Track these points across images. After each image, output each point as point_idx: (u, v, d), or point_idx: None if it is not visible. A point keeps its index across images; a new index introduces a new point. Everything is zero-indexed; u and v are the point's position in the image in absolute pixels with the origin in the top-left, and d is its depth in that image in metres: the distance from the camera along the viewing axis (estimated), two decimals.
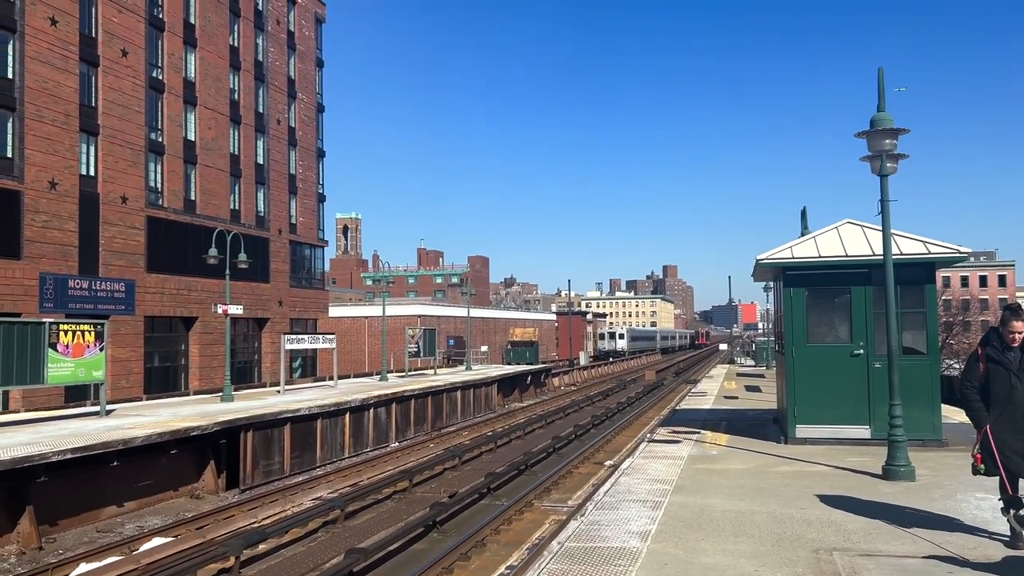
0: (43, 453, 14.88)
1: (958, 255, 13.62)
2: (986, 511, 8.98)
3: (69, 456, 15.36)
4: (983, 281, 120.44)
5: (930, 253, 13.47)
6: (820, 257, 13.85)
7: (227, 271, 28.44)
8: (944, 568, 7.02)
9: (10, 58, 32.89)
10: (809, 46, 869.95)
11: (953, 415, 17.64)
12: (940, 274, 64.92)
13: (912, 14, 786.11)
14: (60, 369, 19.77)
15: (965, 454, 12.94)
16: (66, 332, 20.04)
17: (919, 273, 13.62)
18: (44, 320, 20.55)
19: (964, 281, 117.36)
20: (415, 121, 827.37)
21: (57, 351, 19.64)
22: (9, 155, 32.61)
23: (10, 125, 32.73)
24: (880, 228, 11.85)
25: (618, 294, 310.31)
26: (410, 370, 43.44)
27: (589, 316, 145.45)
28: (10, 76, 32.77)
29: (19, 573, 12.76)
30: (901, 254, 13.07)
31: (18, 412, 25.55)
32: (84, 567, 12.93)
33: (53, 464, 15.08)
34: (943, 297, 79.49)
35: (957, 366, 60.60)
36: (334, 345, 34.16)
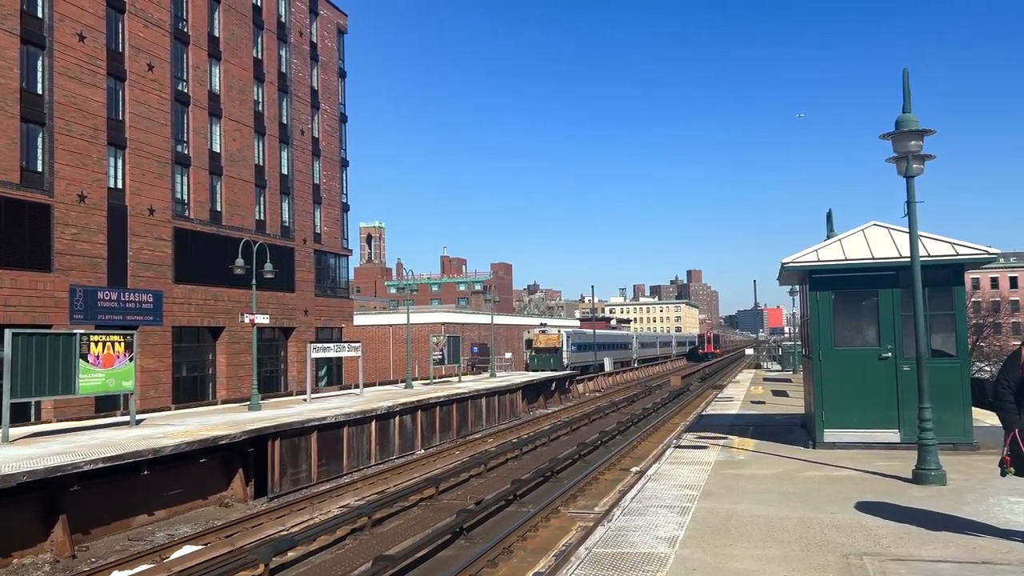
0: (75, 463, 15.10)
1: (987, 256, 13.45)
2: (1019, 515, 8.87)
3: (101, 465, 15.57)
4: (1013, 282, 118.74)
5: (958, 254, 13.31)
6: (846, 260, 13.74)
7: (253, 281, 28.71)
8: (977, 572, 6.94)
9: (39, 74, 33.49)
10: (835, 45, 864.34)
11: (984, 418, 17.41)
12: (969, 275, 64.07)
13: (938, 9, 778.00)
14: (91, 379, 20.04)
15: (997, 457, 12.78)
16: (96, 343, 20.33)
17: (947, 275, 13.48)
18: (75, 331, 20.86)
19: (994, 282, 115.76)
20: (437, 129, 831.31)
21: (88, 362, 19.91)
22: (39, 169, 33.19)
23: (40, 140, 33.32)
24: (907, 230, 11.74)
25: (642, 300, 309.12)
26: (435, 377, 43.54)
27: (613, 322, 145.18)
28: (40, 91, 33.37)
29: None
30: (928, 256, 12.94)
31: (50, 422, 25.94)
32: (116, 575, 13.08)
33: (85, 473, 15.30)
34: (972, 299, 78.49)
35: (988, 369, 59.79)
36: (359, 353, 34.34)
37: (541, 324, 77.54)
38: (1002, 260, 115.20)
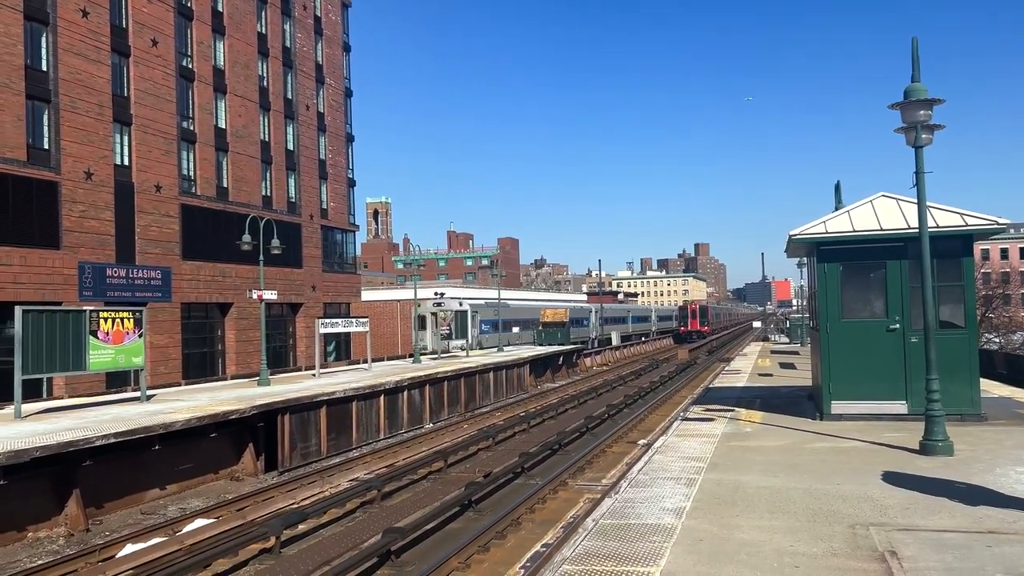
0: (88, 438, 15.24)
1: (996, 226, 13.37)
2: None
3: (112, 440, 15.71)
4: (1023, 253, 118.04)
5: (967, 225, 13.24)
6: (854, 231, 13.68)
7: (260, 257, 28.75)
8: (983, 542, 6.97)
9: (44, 51, 33.37)
10: (843, 15, 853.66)
11: (992, 389, 17.42)
12: (978, 246, 63.67)
13: None
14: (101, 356, 20.17)
15: (1005, 428, 12.81)
16: (106, 319, 20.43)
17: (956, 246, 13.42)
18: (84, 308, 20.95)
19: (1004, 253, 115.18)
20: (443, 104, 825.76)
21: (98, 338, 20.03)
22: (46, 146, 33.18)
23: (46, 117, 33.27)
24: (915, 201, 11.67)
25: (649, 273, 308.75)
26: (442, 352, 43.69)
27: (620, 296, 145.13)
28: (44, 68, 33.27)
29: (68, 554, 13.12)
30: (937, 227, 12.88)
31: (62, 398, 26.15)
32: (130, 548, 13.25)
33: (98, 448, 15.45)
34: (982, 270, 78.12)
35: (997, 340, 59.61)
36: (367, 328, 34.40)
37: (437, 294, 61.99)
38: (1012, 231, 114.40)
